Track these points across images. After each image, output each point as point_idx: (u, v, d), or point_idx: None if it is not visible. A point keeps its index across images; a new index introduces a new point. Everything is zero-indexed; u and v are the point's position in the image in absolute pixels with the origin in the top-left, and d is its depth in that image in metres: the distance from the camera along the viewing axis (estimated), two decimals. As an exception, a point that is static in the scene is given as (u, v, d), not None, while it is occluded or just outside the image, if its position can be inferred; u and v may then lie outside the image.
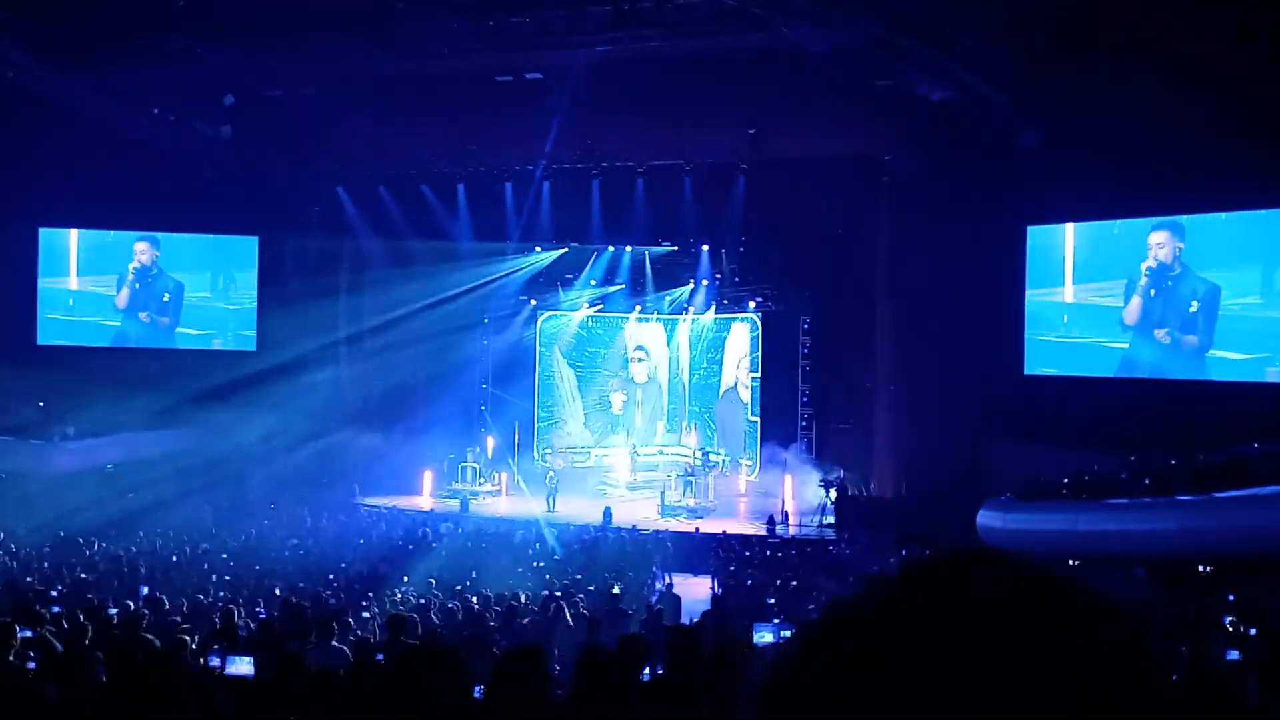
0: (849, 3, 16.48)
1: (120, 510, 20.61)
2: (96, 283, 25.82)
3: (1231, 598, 11.68)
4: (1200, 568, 14.39)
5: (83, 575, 12.78)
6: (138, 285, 25.80)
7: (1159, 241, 19.17)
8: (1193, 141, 16.15)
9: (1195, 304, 18.72)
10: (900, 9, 16.58)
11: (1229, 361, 18.52)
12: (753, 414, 25.76)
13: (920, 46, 17.23)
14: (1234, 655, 7.87)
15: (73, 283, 25.77)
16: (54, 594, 10.62)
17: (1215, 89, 15.62)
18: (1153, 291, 19.21)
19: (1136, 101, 16.69)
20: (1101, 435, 17.70)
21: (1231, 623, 10.10)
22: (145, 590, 11.61)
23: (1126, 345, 19.64)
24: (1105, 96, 17.10)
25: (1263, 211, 18.19)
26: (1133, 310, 19.54)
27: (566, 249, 25.51)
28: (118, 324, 25.92)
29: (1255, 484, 13.78)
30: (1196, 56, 15.34)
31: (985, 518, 17.17)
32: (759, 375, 25.49)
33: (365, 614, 11.01)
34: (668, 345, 28.16)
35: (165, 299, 25.91)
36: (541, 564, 16.38)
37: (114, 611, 9.73)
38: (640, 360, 28.11)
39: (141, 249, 25.75)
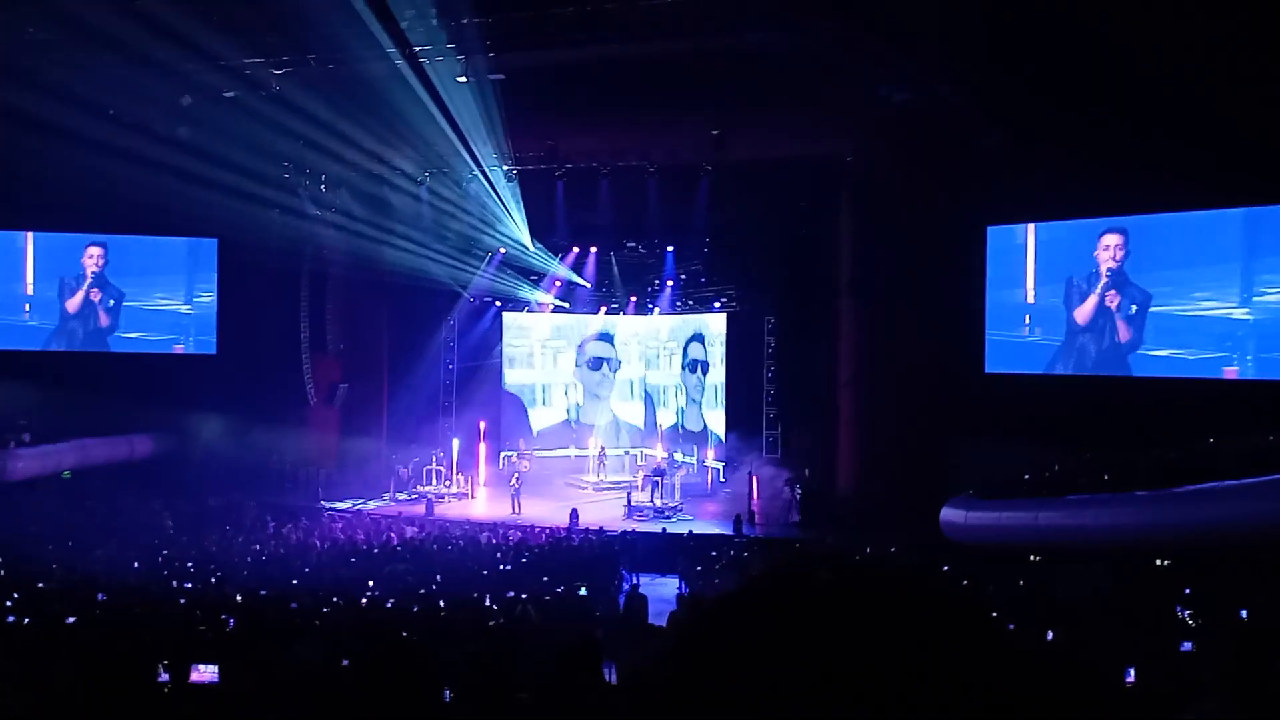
0: (811, 5, 16.59)
1: (78, 516, 20.29)
2: (54, 288, 25.40)
3: (1188, 591, 11.91)
4: (1158, 562, 14.66)
5: (40, 585, 12.53)
6: (92, 290, 25.43)
7: (1111, 244, 19.59)
8: (1150, 143, 16.42)
9: (1135, 306, 19.24)
10: (862, 12, 16.71)
11: (1186, 360, 18.89)
12: (717, 408, 25.84)
13: (882, 49, 17.39)
14: (1187, 647, 8.03)
15: (28, 287, 25.32)
16: (9, 603, 10.41)
17: (1173, 92, 15.88)
18: (1110, 293, 19.58)
19: (1096, 103, 16.96)
20: (1061, 432, 17.97)
21: (1190, 615, 10.31)
22: (103, 598, 11.42)
23: (1059, 342, 20.11)
24: (1065, 98, 17.34)
25: (1221, 211, 18.56)
26: (1086, 311, 19.91)
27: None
28: (69, 326, 25.49)
29: (1211, 479, 14.06)
30: (1154, 60, 15.61)
31: (948, 514, 17.38)
32: (723, 374, 25.52)
33: (330, 619, 10.90)
34: (630, 344, 28.27)
35: (111, 304, 25.57)
36: (508, 567, 16.32)
37: (72, 620, 9.57)
38: (604, 359, 28.18)
39: (93, 253, 25.37)
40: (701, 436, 26.13)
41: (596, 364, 28.02)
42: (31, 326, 25.34)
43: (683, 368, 26.79)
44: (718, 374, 25.36)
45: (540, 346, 27.69)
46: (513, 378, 27.47)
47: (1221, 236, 18.74)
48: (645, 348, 28.20)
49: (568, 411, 27.67)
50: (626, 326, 28.11)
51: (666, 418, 26.95)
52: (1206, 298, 18.68)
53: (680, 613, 11.18)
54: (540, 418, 27.56)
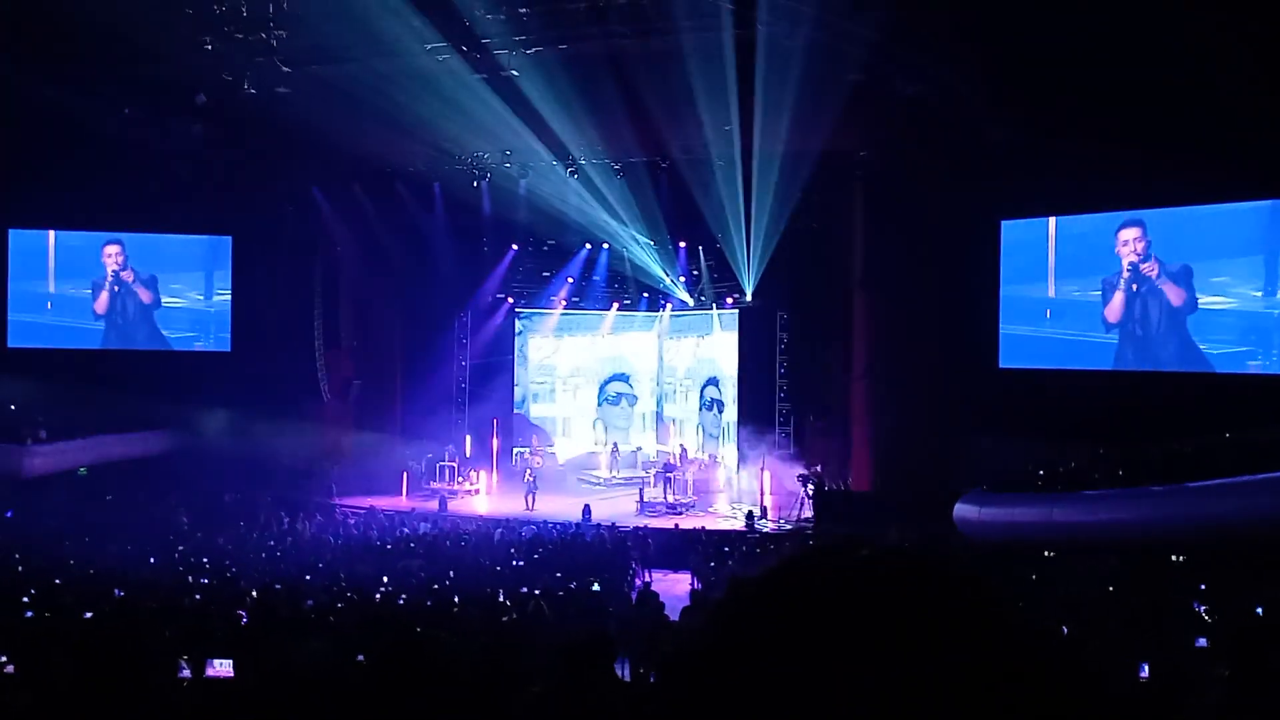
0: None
1: (94, 513, 20.44)
2: (75, 286, 25.56)
3: (1203, 587, 11.85)
4: (1173, 557, 14.59)
5: (56, 581, 12.62)
6: (116, 288, 25.58)
7: (1130, 238, 19.43)
8: (1168, 135, 16.26)
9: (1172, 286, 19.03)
10: (874, 3, 16.65)
11: (1209, 354, 18.72)
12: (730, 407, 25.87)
13: (895, 41, 17.31)
14: (1202, 642, 7.99)
15: (50, 286, 25.48)
16: (25, 599, 10.49)
17: (1193, 83, 15.74)
18: (1134, 286, 19.40)
19: (1110, 95, 16.83)
20: (1076, 427, 17.87)
21: (1207, 611, 10.25)
22: (120, 594, 11.50)
23: (1115, 341, 19.78)
24: (1078, 90, 17.23)
25: (1246, 204, 18.34)
26: (1115, 308, 19.72)
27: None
28: (100, 327, 25.67)
29: (1228, 474, 13.96)
30: (1171, 50, 15.48)
31: (961, 510, 17.33)
32: (737, 370, 25.51)
33: (344, 615, 10.95)
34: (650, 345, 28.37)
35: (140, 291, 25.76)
36: (521, 563, 16.36)
37: (88, 615, 9.64)
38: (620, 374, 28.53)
39: (111, 251, 25.51)
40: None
41: (616, 399, 28.58)
42: (54, 325, 25.50)
43: (700, 407, 26.97)
44: (731, 413, 25.42)
45: (561, 384, 28.36)
46: (537, 411, 28.05)
47: (1245, 229, 18.53)
48: (661, 387, 28.43)
49: (595, 444, 27.84)
50: (641, 367, 28.58)
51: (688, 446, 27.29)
52: (1230, 291, 18.49)
53: (696, 606, 11.18)
54: (565, 448, 28.03)
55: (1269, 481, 13.14)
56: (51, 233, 25.37)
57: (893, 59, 18.00)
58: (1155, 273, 19.18)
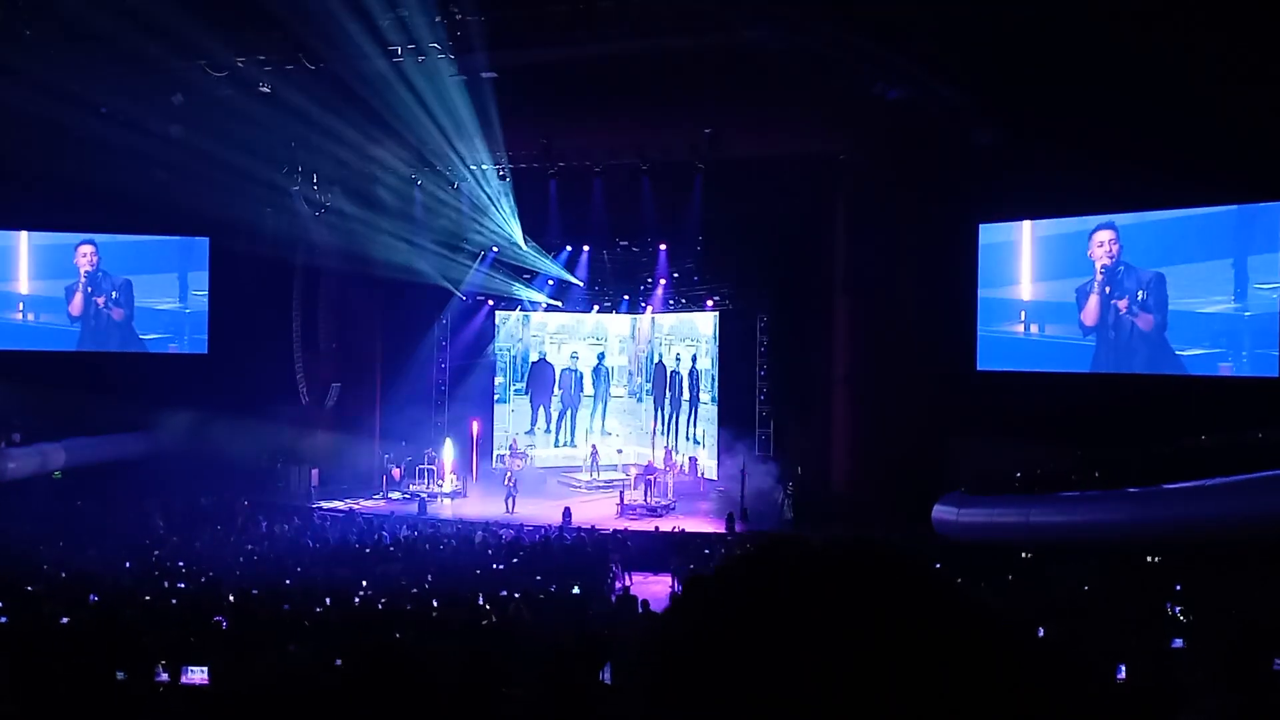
0: (806, 3, 16.59)
1: (69, 517, 20.24)
2: (49, 287, 25.30)
3: (1179, 588, 11.96)
4: (1149, 558, 14.72)
5: (29, 588, 12.46)
6: (89, 289, 25.34)
7: (1105, 239, 19.62)
8: (1143, 141, 16.42)
9: (1142, 293, 19.18)
10: (856, 9, 16.72)
11: (1181, 356, 18.91)
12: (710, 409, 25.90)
13: (877, 46, 17.40)
14: (1178, 643, 8.07)
15: (23, 287, 25.20)
16: (0, 605, 10.37)
17: (1166, 90, 15.91)
18: (1108, 289, 19.58)
19: (1088, 101, 16.99)
20: (1053, 429, 18.02)
21: (1182, 611, 10.36)
22: (95, 599, 11.39)
23: (1093, 343, 19.93)
24: (1057, 97, 17.37)
25: (1215, 209, 18.57)
26: (1090, 311, 19.89)
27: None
28: (75, 329, 25.42)
29: (1202, 476, 14.11)
30: (1147, 58, 15.64)
31: (940, 512, 17.44)
32: (716, 372, 25.57)
33: (322, 619, 10.88)
34: (627, 343, 28.33)
35: (114, 295, 25.51)
36: (501, 566, 16.31)
37: (65, 621, 9.54)
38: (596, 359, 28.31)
39: (85, 251, 25.28)
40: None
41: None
42: (27, 325, 25.23)
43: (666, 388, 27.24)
44: (711, 410, 25.51)
45: (549, 339, 28.16)
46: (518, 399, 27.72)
47: (1215, 233, 18.77)
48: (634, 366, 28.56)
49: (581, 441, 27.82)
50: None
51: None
52: (1201, 294, 18.70)
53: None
54: (547, 450, 27.86)
55: (1244, 483, 13.28)
56: (24, 233, 25.13)
57: (874, 65, 18.09)
58: (1126, 306, 19.38)
